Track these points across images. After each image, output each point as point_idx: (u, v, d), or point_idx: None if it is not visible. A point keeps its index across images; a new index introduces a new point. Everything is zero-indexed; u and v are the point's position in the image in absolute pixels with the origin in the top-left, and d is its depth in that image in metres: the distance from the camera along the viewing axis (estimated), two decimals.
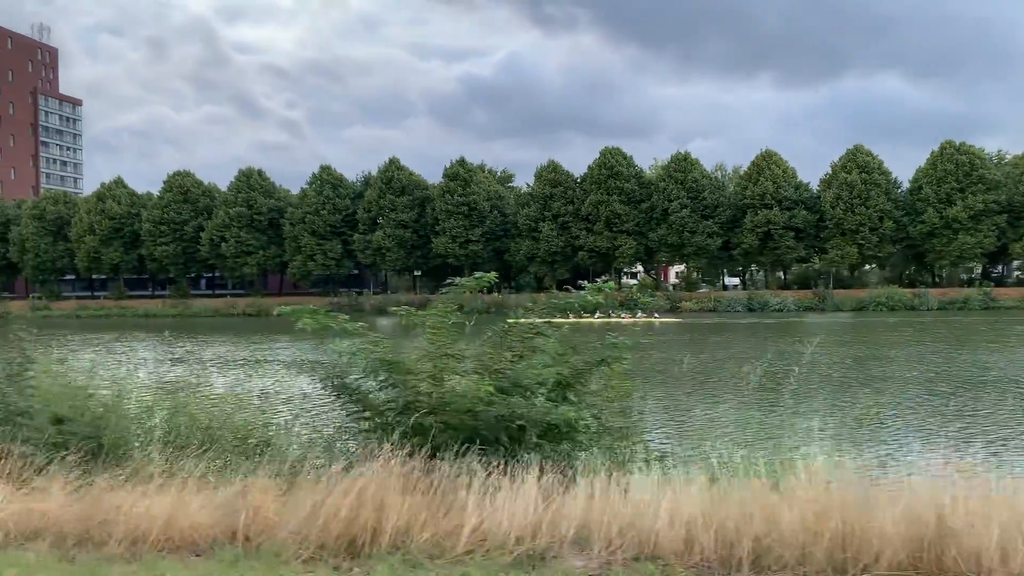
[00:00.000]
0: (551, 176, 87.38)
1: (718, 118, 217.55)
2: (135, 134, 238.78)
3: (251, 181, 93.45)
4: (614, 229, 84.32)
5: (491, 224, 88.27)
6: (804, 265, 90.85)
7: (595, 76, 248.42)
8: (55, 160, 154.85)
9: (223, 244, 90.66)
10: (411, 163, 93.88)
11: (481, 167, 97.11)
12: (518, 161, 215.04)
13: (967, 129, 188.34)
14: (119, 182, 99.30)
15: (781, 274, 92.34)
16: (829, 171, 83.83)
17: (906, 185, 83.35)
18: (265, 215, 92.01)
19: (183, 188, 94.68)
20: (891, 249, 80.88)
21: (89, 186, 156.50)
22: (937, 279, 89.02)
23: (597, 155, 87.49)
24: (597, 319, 69.08)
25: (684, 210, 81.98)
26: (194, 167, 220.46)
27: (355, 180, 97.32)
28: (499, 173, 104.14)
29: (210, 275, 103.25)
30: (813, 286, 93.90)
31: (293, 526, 5.33)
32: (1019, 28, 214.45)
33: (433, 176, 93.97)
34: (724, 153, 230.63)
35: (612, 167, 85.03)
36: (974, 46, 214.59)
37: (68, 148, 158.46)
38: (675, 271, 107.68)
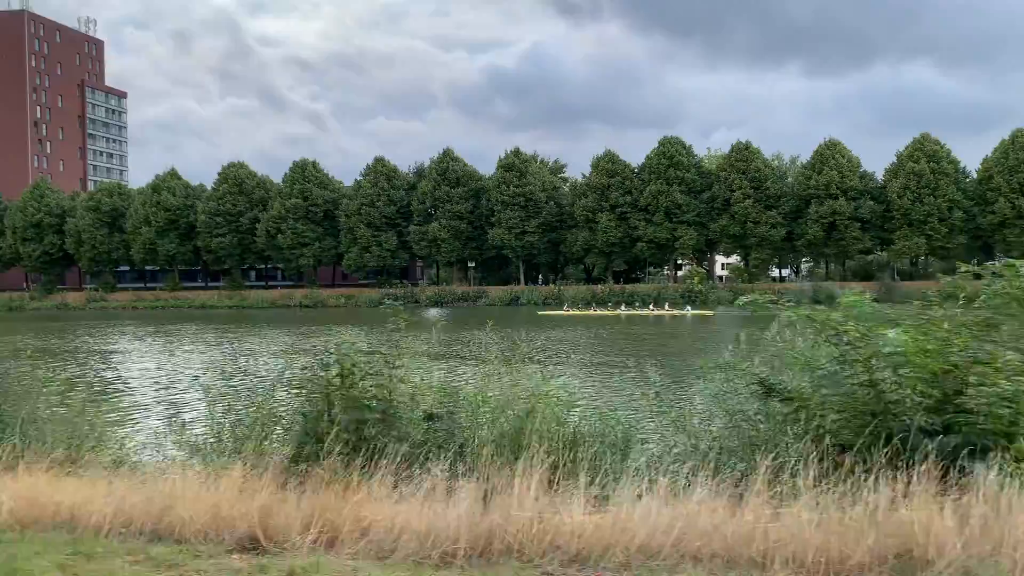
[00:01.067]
0: (608, 166, 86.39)
1: (743, 108, 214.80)
2: (160, 127, 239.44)
3: (306, 173, 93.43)
4: (674, 220, 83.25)
5: (547, 215, 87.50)
6: (864, 257, 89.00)
7: (619, 66, 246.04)
8: (101, 152, 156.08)
9: (279, 236, 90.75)
10: (434, 155, 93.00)
11: (534, 157, 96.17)
12: (541, 152, 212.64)
13: (1000, 119, 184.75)
14: (173, 174, 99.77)
15: (838, 266, 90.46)
16: (895, 160, 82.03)
17: (973, 175, 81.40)
18: (321, 207, 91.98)
19: (238, 179, 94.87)
20: (961, 240, 78.96)
21: (134, 178, 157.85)
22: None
23: (656, 144, 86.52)
24: (624, 311, 68.79)
25: (747, 200, 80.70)
26: (219, 160, 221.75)
27: (407, 171, 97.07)
28: (551, 163, 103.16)
29: (261, 267, 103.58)
30: (873, 278, 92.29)
31: None
32: None
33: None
34: (753, 143, 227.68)
35: (672, 156, 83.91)
36: (1006, 34, 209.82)
37: (114, 140, 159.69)
38: (721, 263, 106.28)
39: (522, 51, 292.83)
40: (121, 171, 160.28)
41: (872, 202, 79.80)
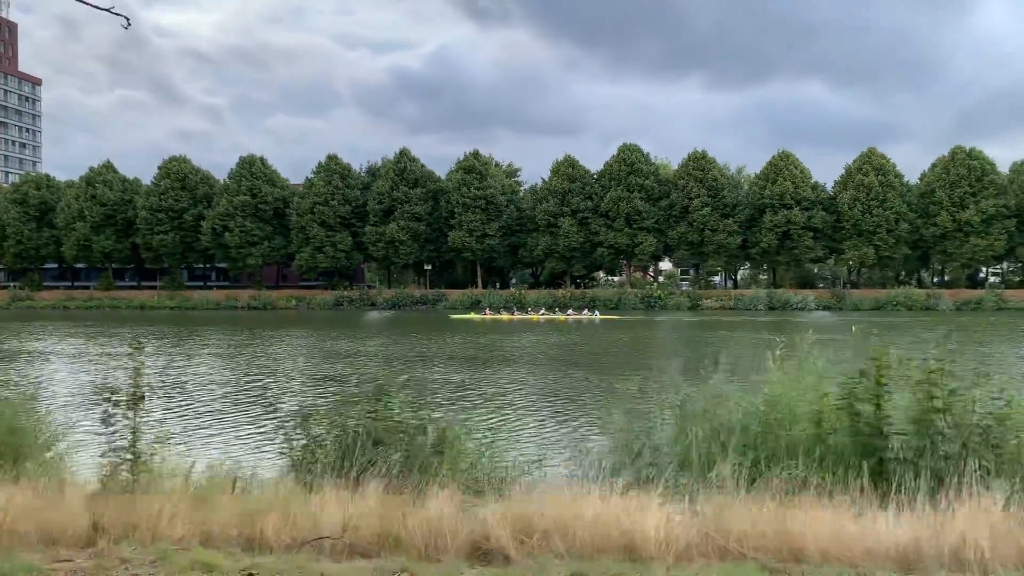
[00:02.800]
0: (568, 171, 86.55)
1: (644, 119, 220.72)
2: (43, 118, 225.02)
3: (253, 169, 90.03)
4: (634, 226, 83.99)
5: (507, 218, 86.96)
6: (813, 265, 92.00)
7: (526, 72, 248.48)
8: (14, 142, 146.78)
9: (227, 234, 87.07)
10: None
11: (490, 160, 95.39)
12: (447, 155, 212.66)
13: (882, 136, 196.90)
14: (108, 166, 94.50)
15: (769, 273, 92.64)
16: (843, 172, 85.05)
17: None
18: (271, 204, 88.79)
19: (180, 174, 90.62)
20: (906, 250, 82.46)
21: (47, 169, 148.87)
22: (934, 280, 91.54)
23: (615, 151, 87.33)
24: (541, 316, 69.30)
25: (705, 208, 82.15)
26: (108, 154, 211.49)
27: (359, 170, 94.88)
28: (505, 167, 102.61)
29: (199, 266, 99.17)
30: (814, 285, 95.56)
31: None
32: (933, 40, 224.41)
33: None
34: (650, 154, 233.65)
35: (632, 163, 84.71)
36: (891, 56, 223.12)
37: (27, 129, 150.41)
38: (651, 269, 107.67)
39: (428, 52, 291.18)
40: (35, 162, 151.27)
41: (824, 212, 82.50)
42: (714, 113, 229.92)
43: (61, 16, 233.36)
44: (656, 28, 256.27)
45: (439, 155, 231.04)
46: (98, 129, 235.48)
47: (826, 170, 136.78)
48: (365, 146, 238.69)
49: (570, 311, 71.76)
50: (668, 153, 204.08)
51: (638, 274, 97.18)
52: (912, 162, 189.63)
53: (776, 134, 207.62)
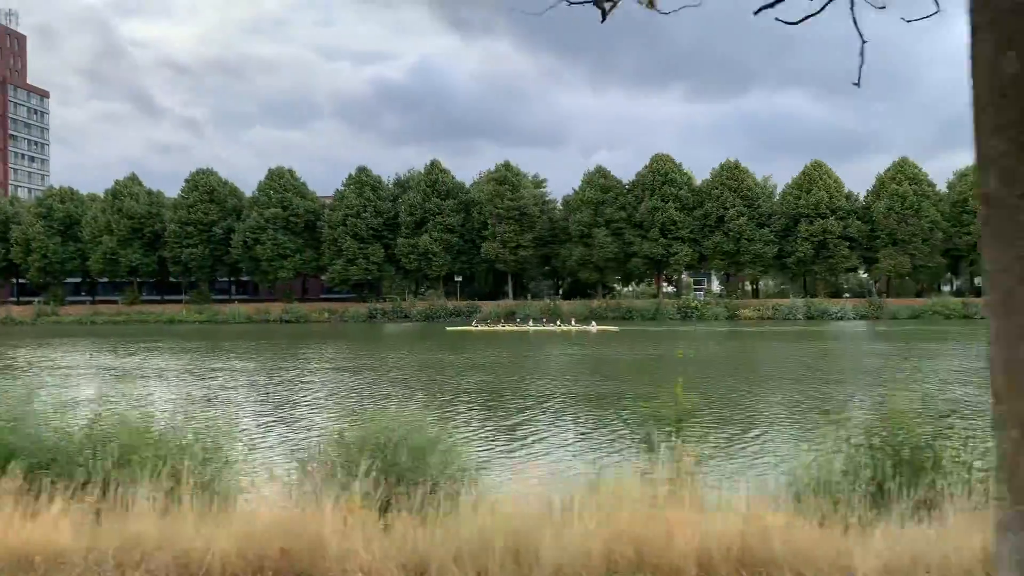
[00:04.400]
0: (601, 182, 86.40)
1: (625, 130, 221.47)
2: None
3: (283, 181, 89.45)
4: (669, 236, 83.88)
5: (540, 229, 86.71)
6: (847, 275, 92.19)
7: (509, 83, 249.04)
8: (23, 155, 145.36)
9: (257, 247, 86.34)
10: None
11: (520, 171, 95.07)
12: (421, 167, 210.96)
13: (859, 146, 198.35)
14: (134, 179, 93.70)
15: (797, 284, 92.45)
16: (875, 182, 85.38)
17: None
18: (302, 217, 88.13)
19: (208, 187, 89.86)
20: (941, 260, 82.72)
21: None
22: (957, 289, 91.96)
23: (648, 161, 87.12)
24: (532, 328, 69.02)
25: (741, 218, 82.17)
26: (85, 166, 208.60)
27: (388, 182, 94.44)
28: (531, 177, 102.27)
29: (224, 279, 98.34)
30: (840, 294, 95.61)
31: None
32: (907, 53, 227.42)
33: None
34: (629, 164, 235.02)
35: (666, 173, 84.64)
36: (870, 68, 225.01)
37: (36, 142, 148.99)
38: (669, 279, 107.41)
39: (409, 64, 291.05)
40: (43, 176, 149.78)
41: (859, 222, 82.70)
42: (694, 123, 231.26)
43: (37, 26, 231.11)
44: (637, 39, 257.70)
45: (420, 167, 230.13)
46: (74, 141, 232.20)
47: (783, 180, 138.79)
48: (346, 158, 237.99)
49: (559, 322, 70.93)
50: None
51: (659, 284, 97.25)
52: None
53: (756, 144, 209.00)
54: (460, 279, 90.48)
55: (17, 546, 5.15)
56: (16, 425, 6.97)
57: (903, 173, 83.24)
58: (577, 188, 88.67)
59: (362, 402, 22.01)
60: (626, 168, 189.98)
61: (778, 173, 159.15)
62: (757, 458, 14.17)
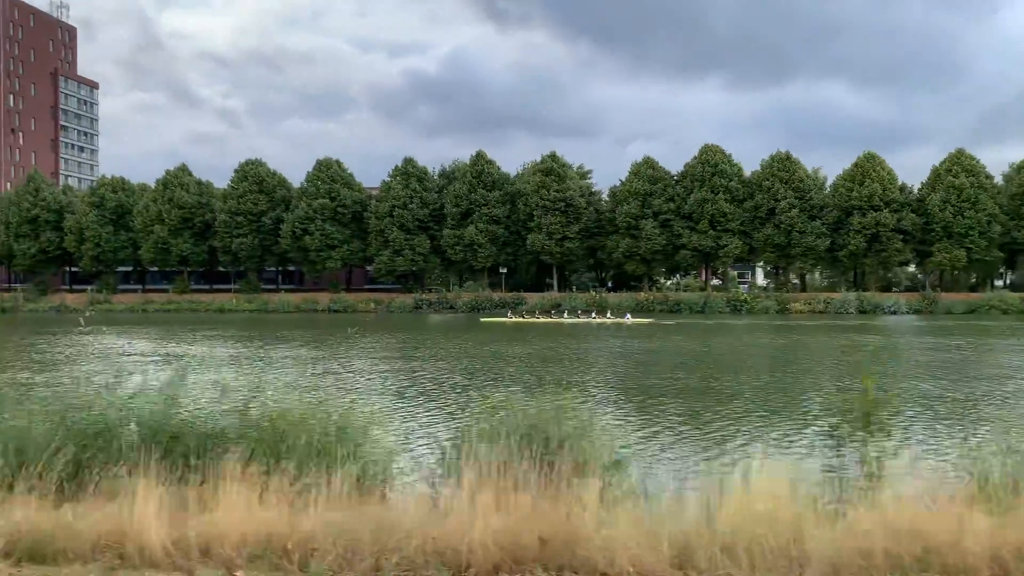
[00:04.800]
0: (649, 173, 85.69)
1: (660, 120, 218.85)
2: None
3: (331, 172, 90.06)
4: (718, 228, 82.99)
5: (586, 221, 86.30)
6: (900, 269, 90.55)
7: (544, 73, 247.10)
8: (73, 145, 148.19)
9: (306, 237, 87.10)
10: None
11: (566, 162, 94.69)
12: (463, 159, 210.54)
13: (898, 138, 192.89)
14: (184, 169, 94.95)
15: (849, 277, 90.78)
16: (931, 174, 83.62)
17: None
18: (349, 208, 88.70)
19: (257, 178, 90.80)
20: (998, 254, 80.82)
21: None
22: (1017, 284, 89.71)
23: (697, 152, 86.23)
24: (567, 319, 68.37)
25: (793, 210, 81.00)
26: (125, 156, 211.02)
27: (433, 173, 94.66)
28: (575, 169, 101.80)
29: (271, 269, 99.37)
30: (890, 288, 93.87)
31: None
32: (956, 42, 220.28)
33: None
34: (665, 156, 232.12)
35: (716, 164, 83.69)
36: (914, 58, 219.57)
37: (85, 133, 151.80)
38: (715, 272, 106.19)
39: (443, 55, 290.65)
40: (92, 166, 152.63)
41: (913, 215, 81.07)
42: (733, 114, 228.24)
43: (79, 19, 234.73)
44: (676, 28, 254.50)
45: (453, 159, 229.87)
46: (113, 132, 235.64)
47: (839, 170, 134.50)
48: (380, 149, 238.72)
49: (595, 314, 70.56)
50: (687, 155, 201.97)
51: (707, 277, 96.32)
52: (929, 165, 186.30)
53: (795, 135, 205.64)
54: (505, 270, 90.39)
55: (264, 532, 5.10)
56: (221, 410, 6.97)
57: (959, 165, 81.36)
58: (624, 179, 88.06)
59: (472, 391, 21.89)
60: (662, 159, 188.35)
61: (818, 164, 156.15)
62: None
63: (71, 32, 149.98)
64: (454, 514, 5.19)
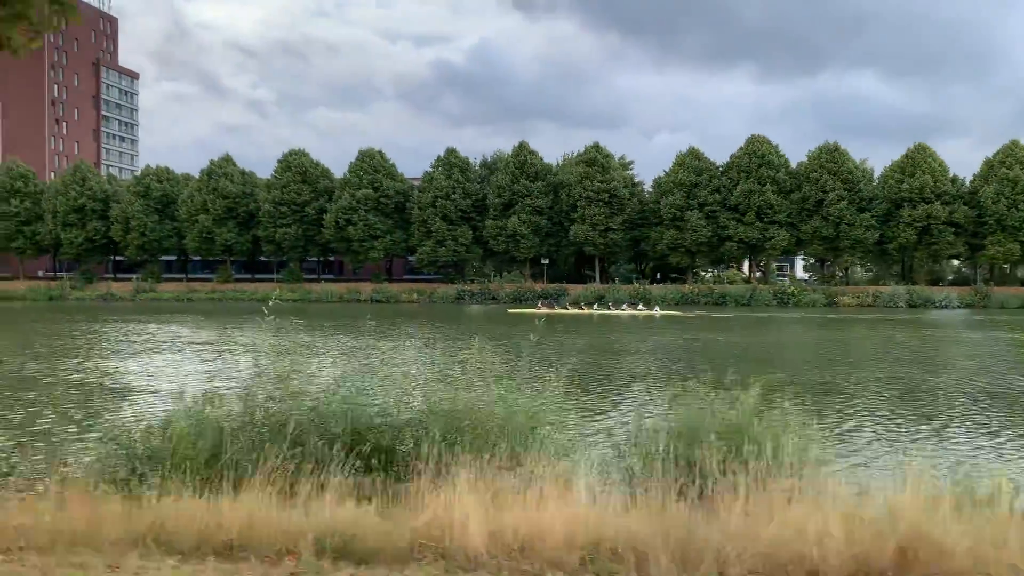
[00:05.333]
0: (694, 163, 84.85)
1: (686, 112, 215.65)
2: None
3: (374, 163, 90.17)
4: (765, 220, 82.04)
5: (630, 212, 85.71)
6: (950, 263, 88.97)
7: (570, 64, 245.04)
8: (114, 135, 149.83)
9: (350, 227, 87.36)
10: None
11: (610, 153, 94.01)
12: (488, 149, 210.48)
13: (933, 129, 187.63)
14: (228, 159, 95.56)
15: (896, 269, 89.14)
16: (983, 165, 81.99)
17: None
18: (392, 198, 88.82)
19: (301, 168, 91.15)
20: None
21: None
22: None
23: (743, 143, 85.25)
24: (597, 311, 67.61)
25: (841, 202, 79.84)
26: (156, 147, 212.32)
27: (475, 163, 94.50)
28: (618, 159, 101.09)
29: (312, 259, 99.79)
30: (939, 282, 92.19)
31: None
32: (994, 30, 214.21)
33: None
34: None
35: (763, 155, 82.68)
36: (949, 47, 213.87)
37: (126, 123, 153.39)
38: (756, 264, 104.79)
39: (469, 46, 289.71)
40: (132, 156, 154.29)
41: (965, 207, 79.57)
42: (761, 105, 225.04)
43: (115, 9, 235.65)
44: (704, 17, 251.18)
45: (480, 149, 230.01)
46: (145, 123, 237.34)
47: (876, 164, 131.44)
48: (406, 140, 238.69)
49: (625, 306, 70.17)
50: (712, 147, 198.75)
51: (752, 270, 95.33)
52: (964, 158, 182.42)
53: (826, 127, 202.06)
54: (547, 261, 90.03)
55: (591, 532, 4.89)
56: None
57: (1013, 156, 79.65)
58: (668, 170, 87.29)
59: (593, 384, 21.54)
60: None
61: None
62: None
63: (112, 23, 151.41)
64: (776, 520, 4.95)
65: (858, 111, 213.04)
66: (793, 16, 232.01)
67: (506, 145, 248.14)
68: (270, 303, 9.30)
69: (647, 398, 18.35)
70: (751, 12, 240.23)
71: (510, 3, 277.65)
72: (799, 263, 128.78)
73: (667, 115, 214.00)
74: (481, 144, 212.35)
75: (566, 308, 69.45)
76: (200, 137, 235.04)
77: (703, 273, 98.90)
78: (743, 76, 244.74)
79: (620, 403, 18.39)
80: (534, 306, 71.81)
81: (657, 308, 68.60)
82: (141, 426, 7.53)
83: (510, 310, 68.66)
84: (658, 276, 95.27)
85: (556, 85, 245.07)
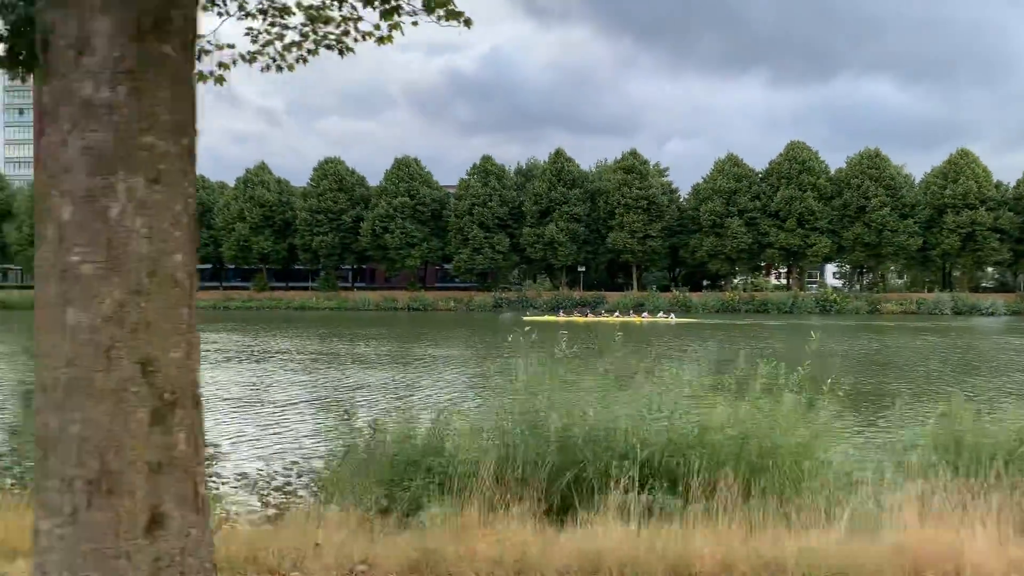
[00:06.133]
0: (734, 170, 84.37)
1: (700, 118, 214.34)
2: None
3: (410, 171, 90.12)
4: (806, 226, 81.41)
5: (669, 219, 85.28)
6: (994, 269, 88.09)
7: (583, 71, 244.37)
8: None
9: (386, 235, 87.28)
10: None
11: (647, 160, 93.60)
12: (501, 157, 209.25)
13: (949, 135, 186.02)
14: (264, 167, 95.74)
15: (939, 277, 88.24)
16: None
17: None
18: (428, 206, 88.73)
19: (337, 176, 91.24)
20: None
21: None
22: None
23: (782, 149, 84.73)
24: (615, 318, 66.65)
25: (884, 208, 79.13)
26: None
27: (509, 171, 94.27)
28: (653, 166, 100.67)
29: (347, 267, 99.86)
30: (978, 289, 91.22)
31: None
32: (1009, 35, 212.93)
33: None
34: (705, 155, 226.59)
35: (803, 161, 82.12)
36: (963, 52, 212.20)
37: None
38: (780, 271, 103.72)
39: (480, 53, 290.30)
40: None
41: (1010, 213, 78.75)
42: (774, 111, 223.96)
43: None
44: (717, 24, 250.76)
45: (494, 156, 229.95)
46: None
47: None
48: (418, 148, 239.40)
49: (645, 313, 69.87)
50: (726, 152, 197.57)
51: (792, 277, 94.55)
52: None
53: (839, 133, 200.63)
54: (584, 269, 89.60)
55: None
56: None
57: None
58: (706, 176, 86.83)
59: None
60: (700, 157, 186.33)
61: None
62: None
63: None
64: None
65: (872, 117, 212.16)
66: (806, 22, 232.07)
67: (518, 152, 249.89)
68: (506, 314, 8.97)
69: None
70: (764, 18, 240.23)
71: (523, 11, 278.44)
72: (828, 270, 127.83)
73: (679, 122, 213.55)
74: (493, 151, 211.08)
75: (590, 316, 68.26)
76: (210, 145, 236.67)
77: (735, 280, 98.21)
78: (755, 82, 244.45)
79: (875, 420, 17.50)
80: (569, 314, 70.64)
81: (672, 315, 68.05)
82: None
83: (524, 318, 67.76)
84: (691, 284, 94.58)
85: (568, 92, 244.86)
